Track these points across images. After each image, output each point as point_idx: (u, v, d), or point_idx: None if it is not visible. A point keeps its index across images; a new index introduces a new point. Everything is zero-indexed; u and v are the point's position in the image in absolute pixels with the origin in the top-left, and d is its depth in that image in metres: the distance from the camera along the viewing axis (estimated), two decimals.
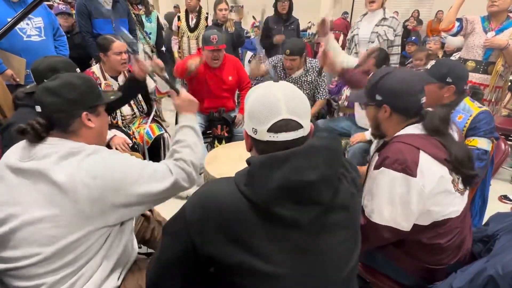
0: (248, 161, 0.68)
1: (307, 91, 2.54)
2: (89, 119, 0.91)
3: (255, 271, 0.64)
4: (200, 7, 3.33)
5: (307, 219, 0.64)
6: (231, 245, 0.64)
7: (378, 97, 1.07)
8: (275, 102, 0.67)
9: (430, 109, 1.08)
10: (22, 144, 0.88)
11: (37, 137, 0.84)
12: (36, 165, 0.82)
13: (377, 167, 1.02)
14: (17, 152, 0.87)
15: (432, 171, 0.97)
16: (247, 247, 0.63)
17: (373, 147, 1.40)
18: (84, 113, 0.89)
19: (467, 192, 1.08)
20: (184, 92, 1.15)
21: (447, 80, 1.39)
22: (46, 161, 0.82)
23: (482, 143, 1.43)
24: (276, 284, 0.65)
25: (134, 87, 1.64)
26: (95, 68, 2.10)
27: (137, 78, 1.56)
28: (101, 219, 0.83)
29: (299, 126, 0.68)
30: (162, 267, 0.74)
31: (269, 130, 0.67)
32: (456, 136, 1.07)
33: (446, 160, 0.98)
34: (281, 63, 2.55)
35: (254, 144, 0.73)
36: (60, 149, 0.84)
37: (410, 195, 0.95)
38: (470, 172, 1.01)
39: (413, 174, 0.94)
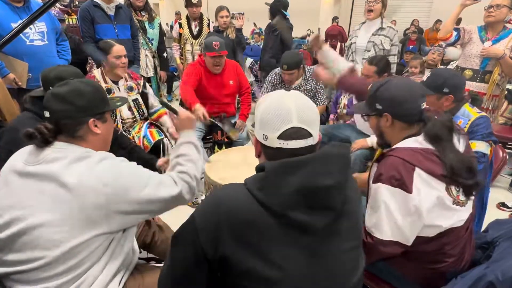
0: (261, 167, 0.68)
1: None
2: (95, 126, 0.92)
3: (265, 277, 0.63)
4: (202, 14, 3.37)
5: (319, 225, 0.65)
6: (243, 250, 0.63)
7: (378, 106, 1.07)
8: (286, 111, 0.69)
9: (433, 115, 1.06)
10: (28, 149, 0.89)
11: (44, 142, 0.85)
12: (45, 168, 0.82)
13: (374, 181, 1.02)
14: (23, 156, 0.87)
15: (429, 188, 0.96)
16: (259, 253, 0.63)
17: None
18: (91, 119, 0.91)
19: (470, 202, 1.05)
20: (182, 111, 1.19)
21: (444, 90, 1.42)
22: (56, 164, 0.83)
23: (480, 146, 1.46)
24: None
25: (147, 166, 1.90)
26: (96, 72, 2.12)
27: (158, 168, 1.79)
28: (105, 224, 0.83)
29: (308, 134, 0.69)
30: (174, 279, 0.72)
31: (279, 137, 0.69)
32: (461, 144, 1.05)
33: (442, 176, 0.96)
34: (279, 76, 2.58)
35: (263, 150, 0.74)
36: (70, 154, 0.85)
37: (408, 210, 0.95)
38: (468, 182, 0.97)
39: (409, 190, 0.94)
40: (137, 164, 1.72)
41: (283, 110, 0.69)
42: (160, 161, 1.80)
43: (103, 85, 2.07)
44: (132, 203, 0.85)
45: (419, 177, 0.95)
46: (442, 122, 1.01)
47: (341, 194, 0.68)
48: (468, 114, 1.49)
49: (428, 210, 0.95)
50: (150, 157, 1.85)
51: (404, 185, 0.94)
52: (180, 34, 3.36)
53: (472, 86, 2.35)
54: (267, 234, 0.64)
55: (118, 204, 0.83)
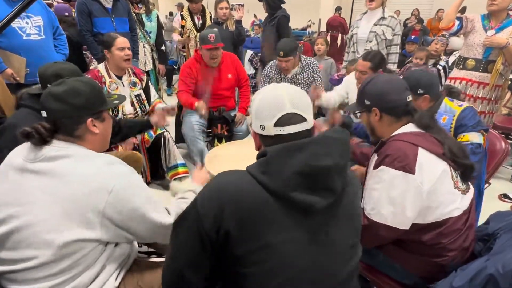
0: (263, 152, 0.70)
1: (304, 88, 2.54)
2: (94, 125, 0.91)
3: (267, 260, 0.65)
4: (203, 7, 3.33)
5: (320, 206, 0.67)
6: (246, 234, 0.65)
7: (367, 102, 1.13)
8: (279, 99, 0.73)
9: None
10: (27, 145, 0.88)
11: (42, 141, 0.84)
12: (47, 166, 0.82)
13: (376, 166, 1.03)
14: (22, 153, 0.86)
15: (432, 166, 0.99)
16: (261, 235, 0.65)
17: None
18: (89, 119, 0.90)
19: (470, 193, 1.08)
20: (204, 170, 1.38)
21: (418, 92, 1.43)
22: (59, 162, 0.82)
23: (474, 137, 1.46)
24: (285, 273, 0.66)
25: (143, 130, 1.91)
26: (100, 66, 2.11)
27: (155, 125, 1.83)
28: (99, 231, 0.82)
29: (303, 119, 0.73)
30: (179, 270, 0.71)
31: (276, 124, 0.72)
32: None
33: (443, 155, 1.01)
34: (274, 68, 2.56)
35: (262, 141, 0.77)
36: (73, 153, 0.85)
37: (408, 193, 0.97)
38: (467, 162, 1.05)
39: (412, 171, 0.96)
40: (134, 131, 1.73)
41: (276, 99, 0.73)
42: (154, 117, 1.81)
43: (107, 80, 2.07)
44: (126, 216, 0.84)
45: (423, 156, 0.98)
46: (428, 112, 1.08)
47: (341, 177, 0.70)
48: (451, 109, 1.49)
49: (429, 189, 0.98)
50: (142, 120, 1.88)
51: (408, 166, 0.97)
52: (182, 26, 3.32)
53: (474, 76, 2.31)
54: (270, 217, 0.66)
55: (112, 212, 0.82)
